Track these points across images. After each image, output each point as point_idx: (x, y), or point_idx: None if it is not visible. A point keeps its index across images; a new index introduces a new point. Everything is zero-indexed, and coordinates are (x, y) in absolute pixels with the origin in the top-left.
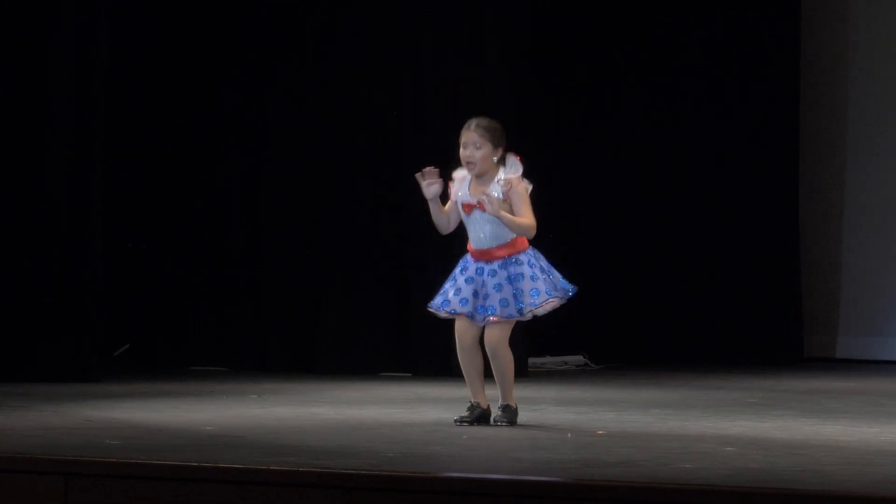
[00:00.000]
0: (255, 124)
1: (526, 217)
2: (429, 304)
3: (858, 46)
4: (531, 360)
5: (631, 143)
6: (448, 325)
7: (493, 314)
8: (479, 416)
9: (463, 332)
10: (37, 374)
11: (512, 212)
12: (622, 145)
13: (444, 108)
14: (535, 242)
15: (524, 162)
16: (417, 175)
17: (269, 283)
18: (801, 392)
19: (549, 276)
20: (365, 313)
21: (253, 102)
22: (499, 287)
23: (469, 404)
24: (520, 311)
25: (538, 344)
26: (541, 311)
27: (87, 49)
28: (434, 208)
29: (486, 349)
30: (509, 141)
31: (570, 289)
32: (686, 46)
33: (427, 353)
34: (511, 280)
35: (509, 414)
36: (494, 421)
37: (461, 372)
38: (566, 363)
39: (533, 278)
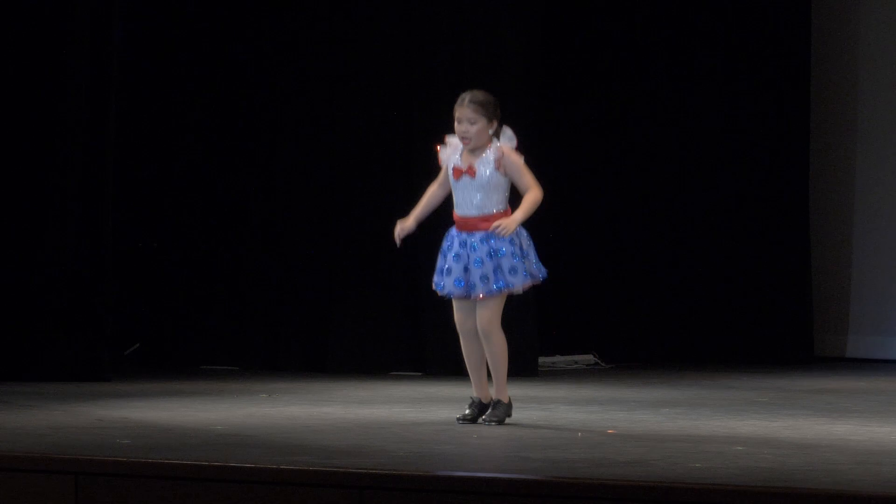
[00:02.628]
0: (268, 123)
1: (531, 188)
2: (433, 284)
3: (869, 46)
4: (542, 360)
5: (641, 142)
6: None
7: (475, 291)
8: (481, 412)
9: (462, 321)
10: (48, 374)
11: (504, 184)
12: (632, 144)
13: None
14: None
15: (518, 134)
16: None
17: (280, 282)
18: (812, 391)
19: (526, 256)
20: (376, 313)
21: (265, 102)
22: (479, 262)
23: (470, 401)
24: (498, 289)
25: (549, 343)
26: (517, 292)
27: (100, 48)
28: (423, 216)
29: (479, 332)
30: (525, 143)
31: (542, 273)
32: (695, 44)
33: (438, 352)
34: (492, 255)
35: (499, 411)
36: (483, 420)
37: (465, 362)
38: (576, 362)
39: (513, 255)
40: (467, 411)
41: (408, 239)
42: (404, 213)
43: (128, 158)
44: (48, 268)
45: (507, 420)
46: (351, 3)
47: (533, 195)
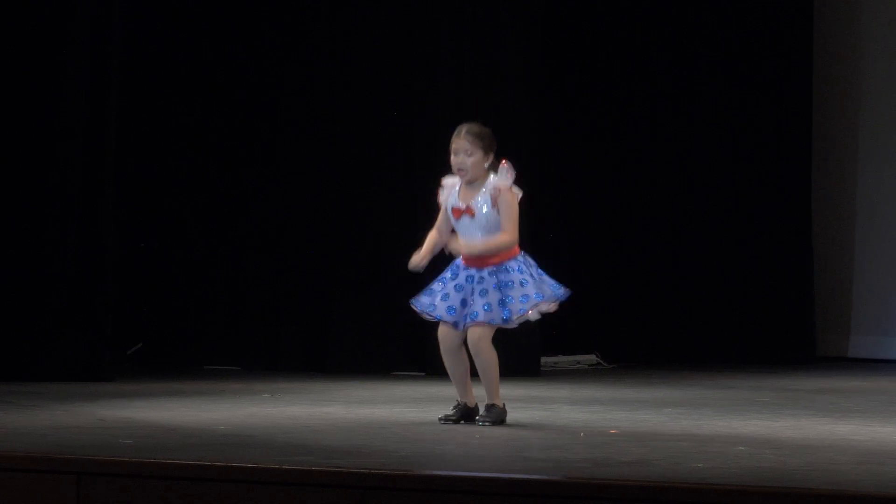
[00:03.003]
0: (270, 124)
1: (506, 232)
2: (412, 300)
3: (871, 48)
4: (544, 360)
5: (642, 144)
6: None
7: (474, 319)
8: (464, 414)
9: (445, 336)
10: (49, 373)
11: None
12: (634, 146)
13: (458, 112)
14: (535, 243)
15: (515, 168)
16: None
17: (282, 282)
18: (814, 391)
19: (538, 281)
20: (377, 312)
21: (266, 102)
22: (484, 293)
23: (455, 402)
24: (505, 320)
25: (551, 343)
26: (532, 316)
27: (101, 49)
28: (434, 251)
29: (469, 348)
30: (526, 143)
31: (561, 294)
32: (697, 45)
33: (439, 352)
34: (500, 287)
35: (494, 414)
36: (478, 419)
37: (473, 371)
38: (579, 362)
39: (522, 284)
40: (451, 411)
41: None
42: (405, 212)
43: (128, 158)
44: (50, 267)
45: (503, 424)
46: (351, 4)
47: (505, 238)
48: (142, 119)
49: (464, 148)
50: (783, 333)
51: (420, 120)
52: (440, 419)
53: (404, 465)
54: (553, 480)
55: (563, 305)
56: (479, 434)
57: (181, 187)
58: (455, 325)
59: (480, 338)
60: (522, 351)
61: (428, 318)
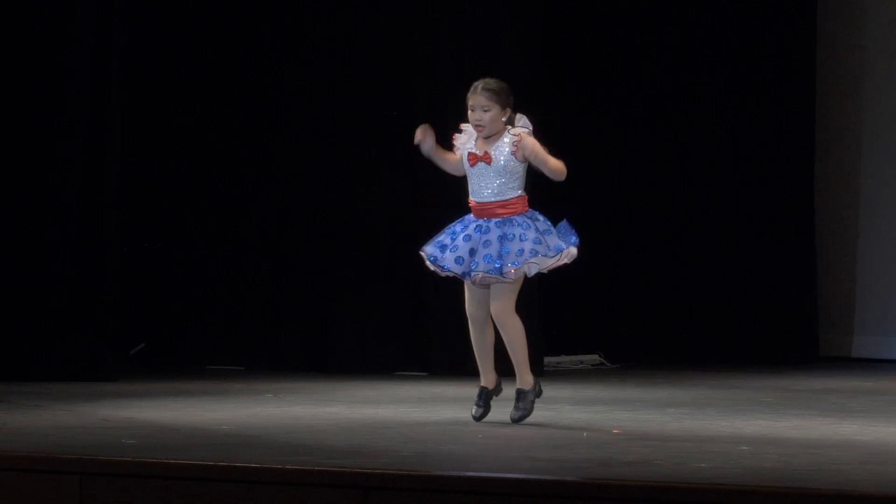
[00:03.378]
0: (270, 124)
1: (551, 161)
2: (422, 248)
3: (874, 47)
4: (547, 360)
5: (645, 143)
6: (463, 323)
7: (475, 269)
8: (488, 400)
9: (473, 310)
10: (52, 374)
11: (521, 170)
12: (635, 146)
13: (458, 112)
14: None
15: (533, 120)
16: (416, 141)
17: (285, 282)
18: (817, 391)
19: (542, 237)
20: (380, 312)
21: (266, 102)
22: (487, 244)
23: (478, 391)
24: (497, 269)
25: (554, 343)
26: (528, 271)
27: (102, 48)
28: (438, 160)
29: (494, 320)
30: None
31: (568, 243)
32: (699, 44)
33: (442, 351)
34: (501, 239)
35: (524, 406)
36: (511, 418)
37: (477, 370)
38: (582, 362)
39: (522, 238)
40: (480, 408)
41: (410, 239)
42: (406, 212)
43: (128, 158)
44: (51, 267)
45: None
46: (351, 4)
47: (560, 164)
48: (142, 119)
49: (480, 104)
50: (786, 333)
51: (420, 120)
52: (475, 418)
53: (408, 465)
54: (556, 480)
55: (567, 306)
56: (483, 434)
57: (182, 187)
58: (463, 276)
59: (503, 308)
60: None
61: (435, 269)
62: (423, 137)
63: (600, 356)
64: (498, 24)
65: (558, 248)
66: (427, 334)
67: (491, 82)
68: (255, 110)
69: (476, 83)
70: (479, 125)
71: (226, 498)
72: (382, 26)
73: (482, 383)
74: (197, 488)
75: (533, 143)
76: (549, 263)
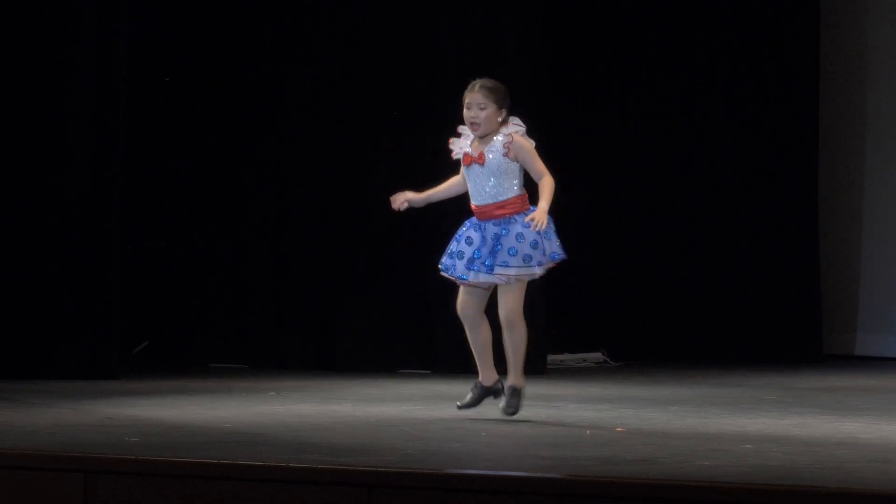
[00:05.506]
0: (270, 124)
1: (544, 175)
2: (440, 263)
3: (878, 46)
4: (550, 358)
5: (646, 143)
6: None
7: (473, 269)
8: (482, 394)
9: (465, 305)
10: (56, 372)
11: (516, 170)
12: (637, 145)
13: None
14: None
15: (526, 122)
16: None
17: (289, 280)
18: (821, 389)
19: (537, 242)
20: (384, 310)
21: (266, 102)
22: (483, 242)
23: (472, 385)
24: (487, 266)
25: (557, 341)
26: (514, 273)
27: (107, 47)
28: (434, 199)
29: (502, 321)
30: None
31: (556, 257)
32: (702, 42)
33: (446, 349)
34: (496, 237)
35: (518, 399)
36: (505, 409)
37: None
38: (585, 360)
39: (518, 238)
40: (469, 396)
41: (414, 238)
42: (411, 210)
43: (129, 158)
44: (55, 266)
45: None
46: (351, 4)
47: (549, 181)
48: (142, 119)
49: (477, 102)
50: (789, 331)
51: (420, 120)
52: (458, 405)
53: (412, 463)
54: (560, 478)
55: (570, 303)
56: (486, 432)
57: (183, 186)
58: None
59: (513, 311)
60: (528, 349)
61: (453, 279)
62: (401, 204)
63: (603, 354)
64: (498, 24)
65: (553, 256)
66: (430, 332)
67: (488, 82)
68: (255, 110)
69: (474, 81)
70: (475, 123)
71: (230, 496)
72: (382, 26)
73: (480, 378)
74: (201, 486)
75: (526, 144)
76: (531, 273)
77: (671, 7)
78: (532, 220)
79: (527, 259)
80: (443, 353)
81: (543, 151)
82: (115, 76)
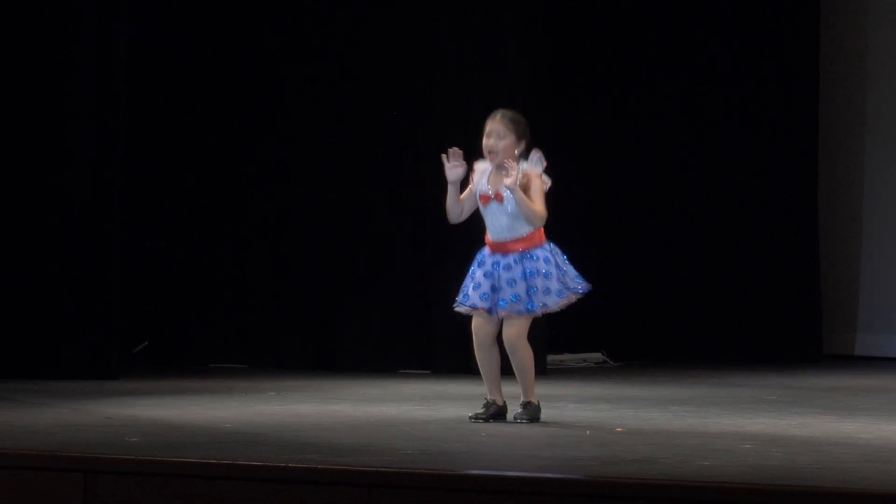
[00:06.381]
0: (270, 124)
1: (537, 205)
2: (454, 304)
3: (878, 46)
4: (550, 358)
5: (646, 142)
6: (467, 321)
7: (503, 307)
8: (495, 413)
9: (479, 329)
10: (56, 372)
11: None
12: (638, 145)
13: (462, 109)
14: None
15: (546, 159)
16: (443, 155)
17: (289, 280)
18: (821, 389)
19: (562, 274)
20: (384, 310)
21: (266, 102)
22: (512, 282)
23: (485, 401)
24: (529, 310)
25: (557, 341)
26: (553, 308)
27: (107, 47)
28: (452, 193)
29: (505, 345)
30: (533, 143)
31: (583, 288)
32: (702, 41)
33: (446, 350)
34: (526, 276)
35: (530, 411)
36: (515, 417)
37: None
38: (585, 360)
39: (547, 276)
40: (481, 410)
41: (414, 238)
42: (411, 211)
43: (129, 158)
44: (55, 266)
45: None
46: (351, 4)
47: (537, 207)
48: (142, 119)
49: (497, 131)
50: (789, 331)
51: (421, 120)
52: (470, 417)
53: (411, 463)
54: (560, 479)
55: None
56: (486, 432)
57: (183, 186)
58: (489, 311)
59: (517, 336)
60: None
61: (465, 311)
62: (457, 162)
63: (603, 354)
64: (498, 24)
65: (575, 288)
66: (430, 332)
67: (510, 112)
68: (255, 110)
69: (496, 111)
70: (493, 152)
71: (229, 496)
72: (382, 26)
73: (490, 397)
74: (201, 486)
75: (538, 186)
76: (565, 303)
77: (671, 7)
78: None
79: (560, 294)
80: (442, 354)
81: (544, 151)
82: (115, 76)
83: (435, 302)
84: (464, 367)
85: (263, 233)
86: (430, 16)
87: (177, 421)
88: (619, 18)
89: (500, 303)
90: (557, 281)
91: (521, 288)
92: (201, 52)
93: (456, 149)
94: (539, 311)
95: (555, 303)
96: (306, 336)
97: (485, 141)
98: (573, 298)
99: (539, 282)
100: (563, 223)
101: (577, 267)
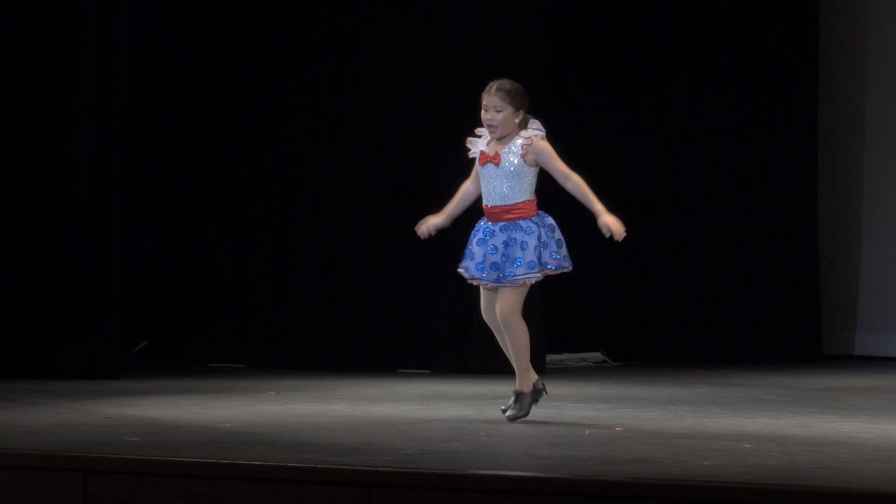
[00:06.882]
0: (270, 124)
1: (570, 175)
2: (459, 266)
3: (878, 45)
4: (549, 357)
5: (648, 140)
6: (466, 321)
7: (485, 277)
8: (530, 403)
9: (486, 310)
10: (56, 371)
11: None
12: (638, 145)
13: (460, 112)
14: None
15: (545, 125)
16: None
17: (289, 280)
18: (820, 389)
19: (542, 247)
20: (383, 310)
21: (266, 102)
22: (493, 250)
23: (513, 395)
24: (497, 280)
25: (556, 341)
26: (520, 283)
27: (108, 48)
28: (455, 212)
29: (499, 320)
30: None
31: (556, 266)
32: (702, 43)
33: (445, 349)
34: (505, 244)
35: (520, 406)
36: (507, 417)
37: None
38: (584, 360)
39: (523, 246)
40: (516, 405)
41: (414, 238)
42: (411, 210)
43: (131, 157)
44: (55, 266)
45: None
46: (351, 4)
47: (578, 181)
48: (142, 119)
49: (493, 104)
50: (789, 331)
51: (421, 120)
52: (508, 418)
53: (411, 463)
54: (559, 478)
55: (569, 303)
56: (486, 432)
57: (183, 186)
58: (483, 282)
59: (510, 310)
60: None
61: (472, 281)
62: (426, 231)
63: (603, 354)
64: (498, 24)
65: (546, 265)
66: (429, 332)
67: (506, 83)
68: (255, 110)
69: (491, 83)
70: (492, 125)
71: (229, 496)
72: (383, 26)
73: (518, 385)
74: (200, 486)
75: (545, 147)
76: (535, 278)
77: (671, 7)
78: (607, 227)
79: (531, 265)
80: (441, 353)
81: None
82: (115, 76)
83: (434, 302)
84: (463, 367)
85: (263, 233)
86: (430, 16)
87: (176, 421)
88: (619, 18)
89: (483, 272)
90: (534, 253)
91: (497, 256)
92: (201, 52)
93: (420, 229)
94: (508, 282)
95: (523, 273)
96: (306, 336)
97: (483, 115)
98: (545, 274)
99: (513, 251)
100: (562, 222)
101: (577, 267)
